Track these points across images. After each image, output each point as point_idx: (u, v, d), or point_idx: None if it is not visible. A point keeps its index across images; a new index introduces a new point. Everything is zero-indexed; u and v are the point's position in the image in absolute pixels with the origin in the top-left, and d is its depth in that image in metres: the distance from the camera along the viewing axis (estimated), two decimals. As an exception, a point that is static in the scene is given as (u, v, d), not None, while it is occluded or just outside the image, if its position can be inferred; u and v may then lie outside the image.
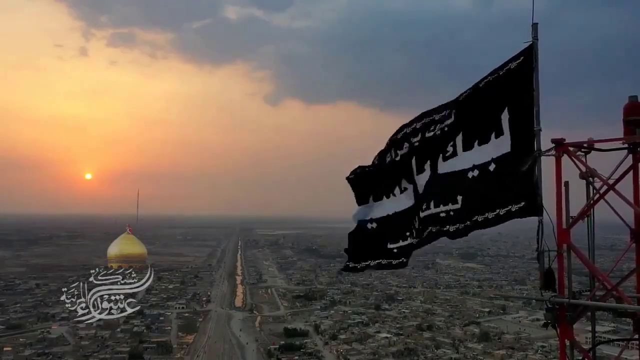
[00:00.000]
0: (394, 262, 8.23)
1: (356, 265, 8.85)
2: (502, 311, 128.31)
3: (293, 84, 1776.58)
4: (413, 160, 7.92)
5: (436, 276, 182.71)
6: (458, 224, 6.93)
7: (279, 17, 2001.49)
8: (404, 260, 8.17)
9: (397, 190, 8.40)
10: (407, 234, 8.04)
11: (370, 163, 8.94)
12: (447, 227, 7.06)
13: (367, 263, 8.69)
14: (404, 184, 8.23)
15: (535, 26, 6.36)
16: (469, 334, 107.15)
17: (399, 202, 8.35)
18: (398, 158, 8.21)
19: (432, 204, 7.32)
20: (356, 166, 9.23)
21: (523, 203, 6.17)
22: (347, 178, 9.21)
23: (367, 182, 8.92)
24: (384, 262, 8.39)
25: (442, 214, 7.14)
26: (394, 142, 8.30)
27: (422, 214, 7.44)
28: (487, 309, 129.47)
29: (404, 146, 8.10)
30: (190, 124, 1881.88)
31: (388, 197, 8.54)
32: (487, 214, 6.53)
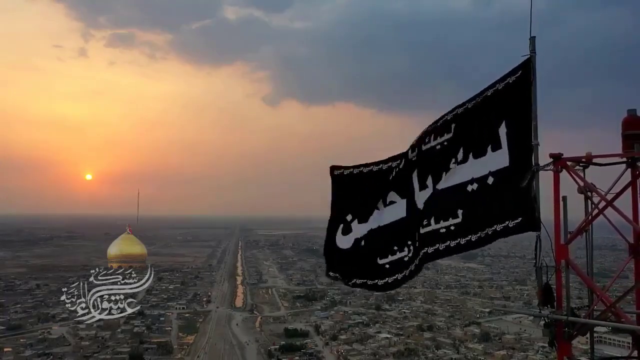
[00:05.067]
0: (390, 280, 7.81)
1: (344, 279, 8.43)
2: (502, 311, 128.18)
3: (292, 85, 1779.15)
4: (415, 175, 7.69)
5: (437, 276, 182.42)
6: (459, 239, 6.76)
7: (278, 18, 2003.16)
8: (399, 277, 7.72)
9: (380, 204, 8.14)
10: (396, 248, 7.75)
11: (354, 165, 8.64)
12: (449, 242, 6.85)
13: (355, 281, 8.25)
14: (392, 197, 7.99)
15: (532, 40, 6.31)
16: (470, 334, 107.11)
17: (383, 215, 8.10)
18: (401, 180, 7.92)
19: (432, 220, 7.12)
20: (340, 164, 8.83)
21: (520, 219, 6.10)
22: (332, 175, 8.81)
23: (349, 194, 8.58)
24: (379, 282, 7.94)
25: (443, 230, 6.94)
26: (398, 166, 8.03)
27: (422, 230, 7.22)
28: (487, 309, 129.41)
29: (395, 162, 7.97)
30: (189, 124, 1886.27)
31: (372, 214, 8.22)
32: (487, 230, 6.39)
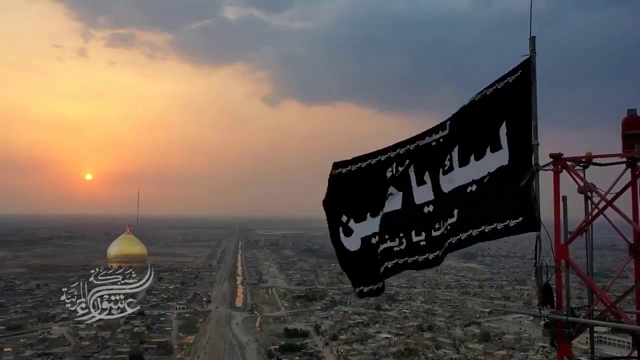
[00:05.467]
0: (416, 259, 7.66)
1: (373, 286, 8.24)
2: (502, 311, 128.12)
3: (292, 85, 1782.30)
4: (411, 170, 7.74)
5: (437, 276, 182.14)
6: (452, 237, 6.85)
7: (278, 18, 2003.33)
8: (388, 265, 7.84)
9: (386, 202, 8.14)
10: (387, 237, 7.82)
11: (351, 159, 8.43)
12: (451, 238, 6.92)
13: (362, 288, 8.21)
14: (391, 190, 7.98)
15: (532, 40, 6.31)
16: (470, 334, 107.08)
17: (386, 207, 8.09)
18: (398, 174, 7.97)
19: (442, 223, 7.21)
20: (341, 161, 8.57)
21: (521, 218, 6.11)
22: (332, 175, 8.53)
23: (344, 194, 8.47)
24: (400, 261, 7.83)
25: (445, 232, 7.06)
26: (396, 158, 8.03)
27: (434, 234, 7.30)
28: (487, 309, 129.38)
29: (405, 162, 7.94)
30: (189, 124, 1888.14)
31: (377, 214, 8.17)
32: (483, 227, 6.44)
